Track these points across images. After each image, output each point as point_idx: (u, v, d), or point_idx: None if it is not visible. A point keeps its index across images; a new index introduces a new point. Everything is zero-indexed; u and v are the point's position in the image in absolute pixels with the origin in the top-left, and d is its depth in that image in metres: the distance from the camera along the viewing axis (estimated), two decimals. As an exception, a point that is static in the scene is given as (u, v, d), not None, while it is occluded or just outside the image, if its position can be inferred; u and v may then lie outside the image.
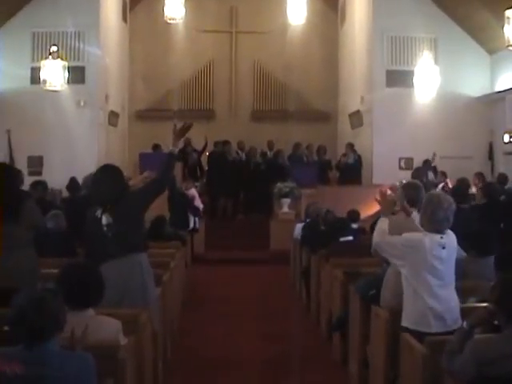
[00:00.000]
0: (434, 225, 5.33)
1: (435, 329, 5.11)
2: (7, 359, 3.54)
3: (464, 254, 6.49)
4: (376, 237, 5.67)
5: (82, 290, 4.43)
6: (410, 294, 5.33)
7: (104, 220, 5.76)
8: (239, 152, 19.42)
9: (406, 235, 5.43)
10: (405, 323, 5.31)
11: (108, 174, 6.10)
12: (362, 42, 18.96)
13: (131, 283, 5.77)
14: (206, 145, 19.45)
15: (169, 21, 17.85)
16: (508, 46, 10.44)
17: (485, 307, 4.30)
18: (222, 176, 18.11)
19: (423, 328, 5.15)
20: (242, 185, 18.67)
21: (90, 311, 4.51)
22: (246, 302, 11.59)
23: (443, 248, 5.24)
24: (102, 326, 4.48)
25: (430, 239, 5.26)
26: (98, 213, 5.77)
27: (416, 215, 5.78)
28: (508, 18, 9.82)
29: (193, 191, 15.52)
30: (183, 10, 17.48)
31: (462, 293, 5.55)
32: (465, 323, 4.30)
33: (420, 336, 5.02)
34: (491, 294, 4.20)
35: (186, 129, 6.49)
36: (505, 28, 9.96)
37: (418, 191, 6.18)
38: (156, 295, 6.36)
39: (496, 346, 4.00)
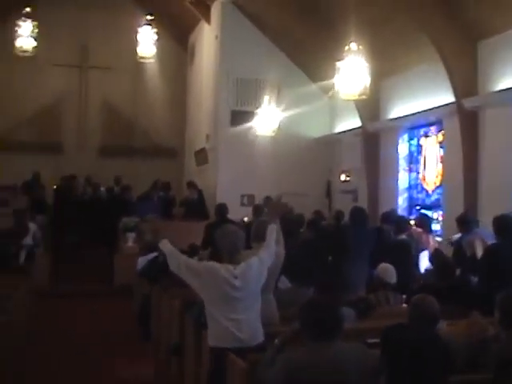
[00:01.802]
0: (226, 256, 5.95)
1: (233, 345, 5.70)
2: None
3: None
4: (172, 262, 6.05)
5: None
6: (209, 316, 5.90)
7: None
8: (86, 187, 19.55)
9: (205, 263, 6.13)
10: (211, 342, 5.90)
11: None
12: (209, 81, 19.53)
13: None
14: None
15: (19, 53, 17.94)
16: (339, 94, 11.27)
17: (292, 326, 4.92)
18: (68, 210, 18.15)
19: (224, 344, 5.74)
20: (88, 219, 18.72)
21: None
22: (90, 333, 11.90)
23: (235, 278, 5.79)
24: None
25: (224, 269, 5.82)
26: None
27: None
28: (338, 68, 10.68)
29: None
30: (34, 43, 17.64)
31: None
32: (276, 340, 4.90)
33: (222, 350, 5.71)
34: (298, 316, 4.82)
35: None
36: (335, 78, 10.81)
37: (265, 226, 6.79)
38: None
39: (302, 357, 4.61)
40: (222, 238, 6.02)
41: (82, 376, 9.08)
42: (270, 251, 6.24)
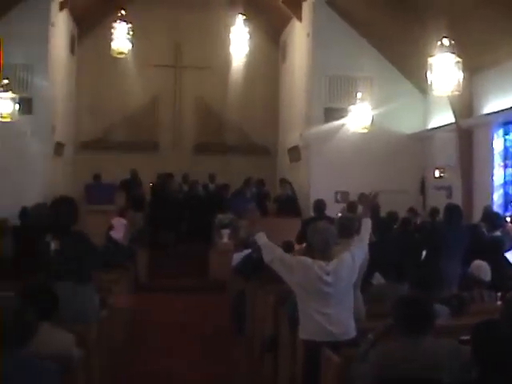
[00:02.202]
0: (317, 252, 6.04)
1: (325, 339, 5.81)
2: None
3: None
4: (267, 255, 6.21)
5: (41, 305, 4.95)
6: (301, 310, 6.02)
7: (52, 245, 6.35)
8: (182, 184, 19.99)
9: (298, 258, 6.15)
10: (302, 335, 6.04)
11: (63, 204, 6.70)
12: (302, 79, 19.63)
13: (78, 304, 6.35)
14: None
15: (116, 55, 18.41)
16: (432, 90, 11.24)
17: (386, 322, 5.02)
18: (165, 207, 18.59)
19: (316, 338, 5.85)
20: (184, 216, 19.11)
21: (46, 324, 5.04)
22: (188, 327, 12.21)
23: (328, 274, 5.90)
24: (57, 338, 5.04)
25: (317, 266, 5.93)
26: (48, 239, 6.34)
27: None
28: (431, 64, 10.66)
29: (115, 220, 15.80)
30: (130, 45, 18.07)
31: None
32: (370, 335, 5.00)
33: (315, 344, 5.80)
34: (391, 311, 4.91)
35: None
36: (427, 74, 10.78)
37: (352, 223, 6.89)
38: (101, 316, 6.94)
39: (396, 352, 4.71)
40: (313, 235, 6.13)
41: (177, 368, 9.32)
42: (364, 246, 6.31)
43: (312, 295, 5.90)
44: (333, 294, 5.90)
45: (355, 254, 6.13)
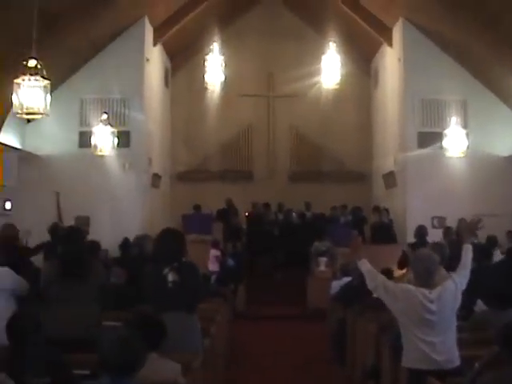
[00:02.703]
0: (420, 280, 5.99)
1: (429, 367, 5.72)
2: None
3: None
4: (370, 282, 6.22)
5: (149, 335, 5.08)
6: (405, 338, 5.99)
7: (170, 277, 6.50)
8: (277, 213, 20.13)
9: (401, 285, 6.13)
10: (405, 363, 5.98)
11: (174, 236, 6.88)
12: (394, 104, 19.54)
13: (186, 334, 6.49)
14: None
15: (209, 86, 18.77)
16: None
17: (492, 349, 4.95)
18: (261, 236, 18.75)
19: (419, 366, 5.78)
20: (280, 244, 19.22)
21: (154, 354, 5.17)
22: (287, 355, 12.22)
23: (431, 302, 5.84)
24: (164, 367, 5.16)
25: (420, 293, 5.88)
26: (166, 271, 6.50)
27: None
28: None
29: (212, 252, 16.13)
30: (223, 76, 18.39)
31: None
32: (476, 364, 4.95)
33: (419, 373, 5.73)
34: (495, 339, 4.85)
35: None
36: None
37: (443, 250, 6.84)
38: (204, 346, 7.05)
39: (503, 380, 4.63)
40: (416, 263, 6.11)
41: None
42: (467, 274, 6.22)
43: (416, 323, 5.86)
44: (436, 322, 5.84)
45: (458, 282, 6.07)
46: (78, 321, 6.90)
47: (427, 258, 6.06)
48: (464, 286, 6.14)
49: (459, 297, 6.06)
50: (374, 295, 6.33)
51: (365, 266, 6.27)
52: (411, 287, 6.01)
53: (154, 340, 5.19)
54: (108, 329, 6.91)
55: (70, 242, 7.47)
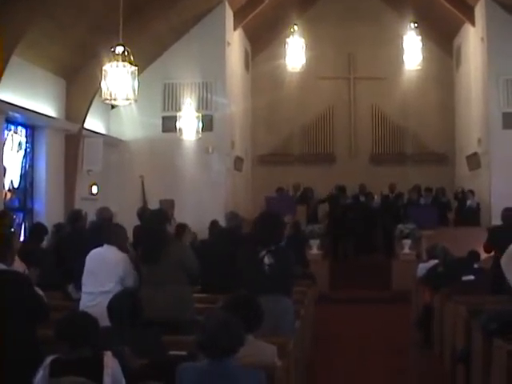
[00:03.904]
0: None
1: None
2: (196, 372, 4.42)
3: None
4: (504, 261, 6.20)
5: (246, 318, 5.16)
6: None
7: (266, 260, 6.61)
8: (360, 195, 20.04)
9: None
10: None
11: (274, 219, 7.00)
12: (478, 84, 19.27)
13: (283, 316, 6.62)
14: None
15: (289, 69, 18.79)
16: None
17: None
18: (343, 218, 18.75)
19: None
20: (363, 227, 19.16)
21: (251, 336, 5.26)
22: (371, 338, 12.20)
23: None
24: (261, 349, 5.26)
25: None
26: (263, 253, 6.60)
27: None
28: None
29: None
30: (303, 59, 18.38)
31: None
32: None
33: None
34: None
35: None
36: None
37: None
38: (296, 328, 7.15)
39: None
40: None
41: (358, 379, 9.39)
42: None
43: None
44: None
45: None
46: (168, 303, 7.05)
47: None
48: None
49: None
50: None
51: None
52: None
53: (252, 323, 5.26)
54: (208, 311, 7.03)
55: (155, 225, 7.59)
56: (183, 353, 5.40)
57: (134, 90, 10.48)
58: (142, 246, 7.50)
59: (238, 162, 19.89)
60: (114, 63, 10.27)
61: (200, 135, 17.05)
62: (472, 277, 9.79)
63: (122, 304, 5.77)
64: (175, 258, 7.36)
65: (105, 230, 8.07)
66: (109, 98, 10.49)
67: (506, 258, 6.24)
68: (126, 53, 10.30)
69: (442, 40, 22.40)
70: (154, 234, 7.46)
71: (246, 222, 11.51)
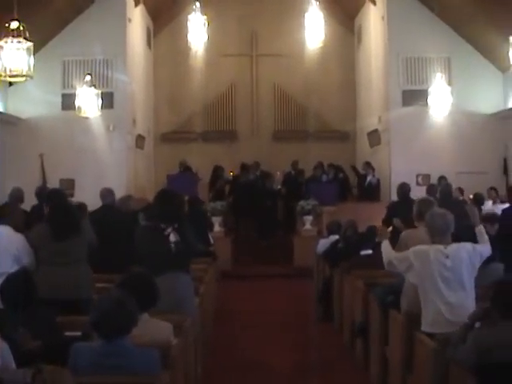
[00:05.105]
0: (438, 236, 5.99)
1: (446, 330, 5.55)
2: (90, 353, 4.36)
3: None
4: (385, 258, 6.37)
5: (141, 296, 5.09)
6: (423, 301, 5.94)
7: (172, 237, 6.56)
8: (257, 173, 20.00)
9: (412, 249, 6.09)
10: (423, 328, 5.89)
11: (175, 196, 6.94)
12: (378, 63, 19.53)
13: (185, 294, 6.61)
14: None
15: (192, 47, 18.61)
16: (513, 68, 11.10)
17: (482, 306, 5.02)
18: (245, 197, 18.75)
19: (436, 330, 5.70)
20: (265, 204, 19.17)
21: (145, 315, 5.20)
22: (274, 313, 12.28)
23: (447, 257, 5.82)
24: (157, 328, 5.20)
25: (433, 250, 5.88)
26: (168, 231, 6.56)
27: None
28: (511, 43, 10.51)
29: None
30: (206, 36, 18.22)
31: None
32: (467, 319, 5.02)
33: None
34: (489, 295, 4.91)
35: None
36: (509, 52, 10.62)
37: (430, 207, 6.85)
38: (195, 305, 7.12)
39: (493, 336, 4.70)
40: (434, 218, 6.02)
41: (267, 355, 9.42)
42: (487, 249, 6.14)
43: (433, 283, 5.81)
44: (452, 280, 5.81)
45: (477, 248, 6.03)
46: (70, 282, 6.97)
47: (445, 214, 6.03)
48: (479, 261, 6.02)
49: (476, 265, 5.99)
50: (387, 268, 6.49)
51: (384, 245, 6.51)
52: (424, 246, 6.01)
53: (146, 301, 5.21)
54: (101, 290, 6.94)
55: (55, 204, 7.49)
56: (78, 333, 5.32)
57: (29, 67, 10.26)
58: (51, 224, 7.30)
59: (140, 139, 19.67)
60: (9, 39, 10.01)
61: (100, 113, 16.75)
62: (370, 251, 9.91)
63: (15, 284, 5.61)
64: (85, 234, 7.44)
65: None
66: (3, 74, 10.23)
67: (385, 261, 6.37)
68: (22, 28, 10.04)
69: (345, 18, 22.55)
70: (66, 211, 7.37)
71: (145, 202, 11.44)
